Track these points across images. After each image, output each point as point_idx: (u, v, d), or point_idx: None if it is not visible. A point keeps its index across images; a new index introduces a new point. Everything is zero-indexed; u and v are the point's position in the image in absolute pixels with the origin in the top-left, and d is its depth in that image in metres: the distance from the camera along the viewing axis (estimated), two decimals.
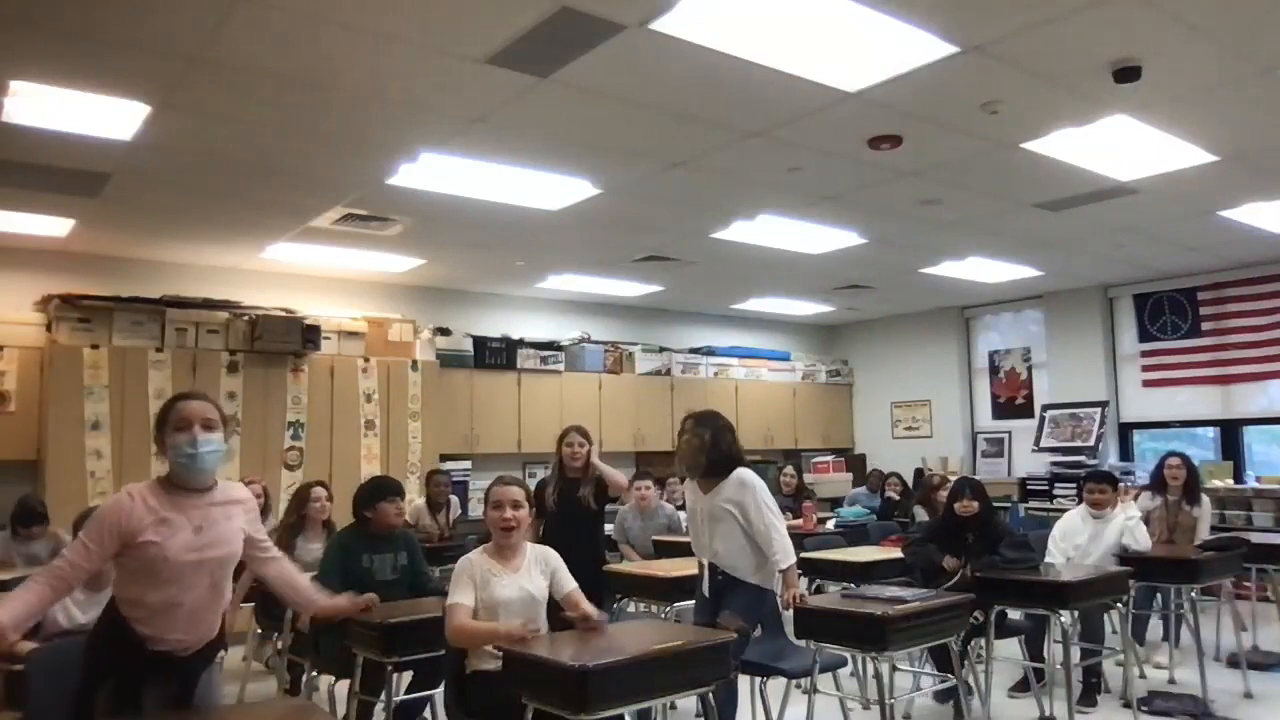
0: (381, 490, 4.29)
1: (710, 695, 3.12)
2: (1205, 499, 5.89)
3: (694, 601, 4.09)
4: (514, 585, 3.20)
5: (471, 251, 7.21)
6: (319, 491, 5.21)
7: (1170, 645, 5.44)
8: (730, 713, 3.74)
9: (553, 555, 3.40)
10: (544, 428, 8.60)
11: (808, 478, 9.68)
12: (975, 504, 4.64)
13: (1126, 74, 3.98)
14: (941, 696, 4.79)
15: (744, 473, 3.88)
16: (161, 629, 2.48)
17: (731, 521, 3.82)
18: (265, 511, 5.72)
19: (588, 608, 3.22)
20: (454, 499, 6.84)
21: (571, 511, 4.79)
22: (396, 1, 3.32)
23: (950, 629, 3.89)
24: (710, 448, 3.87)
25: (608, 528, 5.73)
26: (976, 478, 5.51)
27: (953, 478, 5.70)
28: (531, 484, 8.40)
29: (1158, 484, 5.89)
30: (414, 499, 6.75)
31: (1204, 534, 5.72)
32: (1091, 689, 4.82)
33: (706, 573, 3.89)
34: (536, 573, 3.29)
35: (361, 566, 4.09)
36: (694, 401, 9.28)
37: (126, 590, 2.49)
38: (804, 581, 5.90)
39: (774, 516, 3.84)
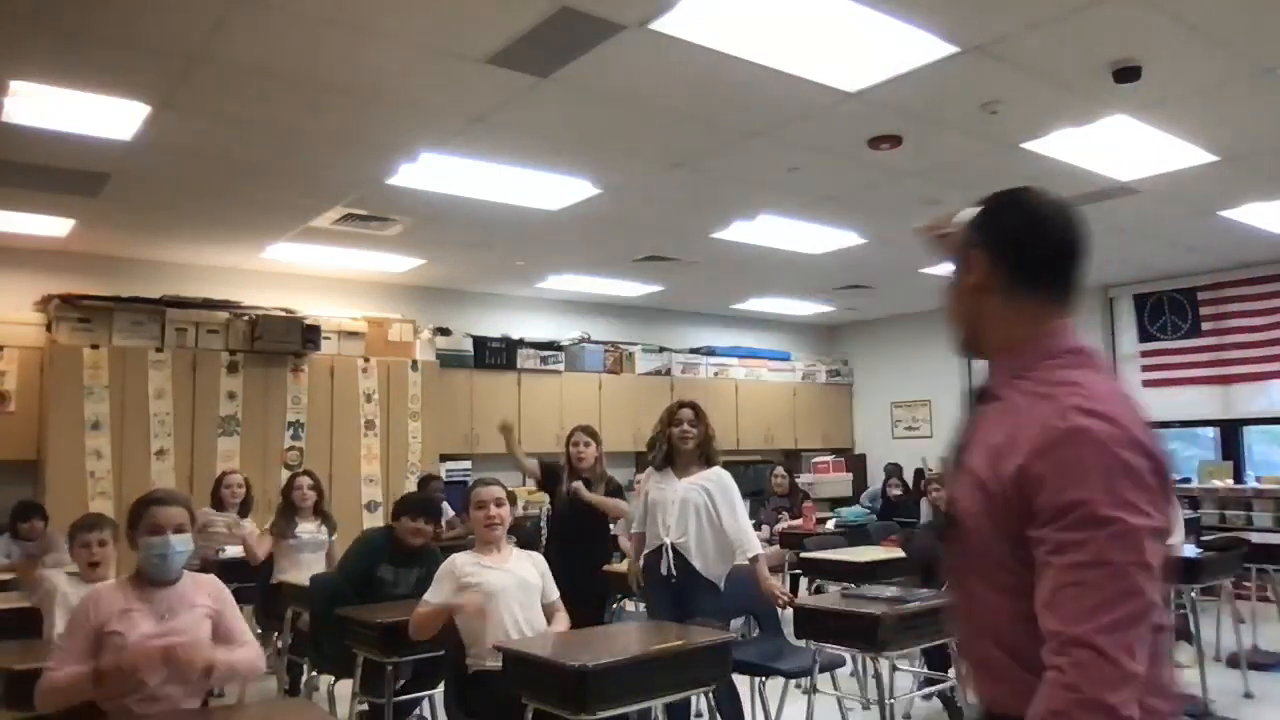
0: (403, 506, 4.32)
1: (705, 697, 3.13)
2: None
3: (643, 570, 4.13)
4: (507, 574, 3.31)
5: (471, 251, 7.20)
6: (302, 480, 5.33)
7: (1195, 644, 5.29)
8: (735, 711, 3.76)
9: (541, 560, 3.55)
10: (544, 428, 8.60)
11: (807, 478, 9.69)
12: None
13: (1126, 74, 3.98)
14: (926, 695, 4.79)
15: (724, 471, 4.10)
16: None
17: (703, 510, 3.95)
18: (246, 504, 5.79)
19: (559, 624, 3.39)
20: (445, 504, 6.82)
21: (580, 512, 4.80)
22: (396, 1, 3.32)
23: (950, 629, 3.89)
24: (709, 441, 4.11)
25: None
26: None
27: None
28: (531, 484, 8.39)
29: None
30: None
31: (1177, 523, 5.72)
32: None
33: (673, 553, 3.96)
34: (527, 563, 3.43)
35: (378, 576, 4.11)
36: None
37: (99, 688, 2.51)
38: (804, 581, 5.93)
39: (745, 515, 4.12)
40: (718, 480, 4.02)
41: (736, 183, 5.57)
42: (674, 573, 3.91)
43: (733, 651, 3.70)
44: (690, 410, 4.10)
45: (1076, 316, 1.41)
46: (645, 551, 4.08)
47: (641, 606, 5.01)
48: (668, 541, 3.96)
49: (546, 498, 5.15)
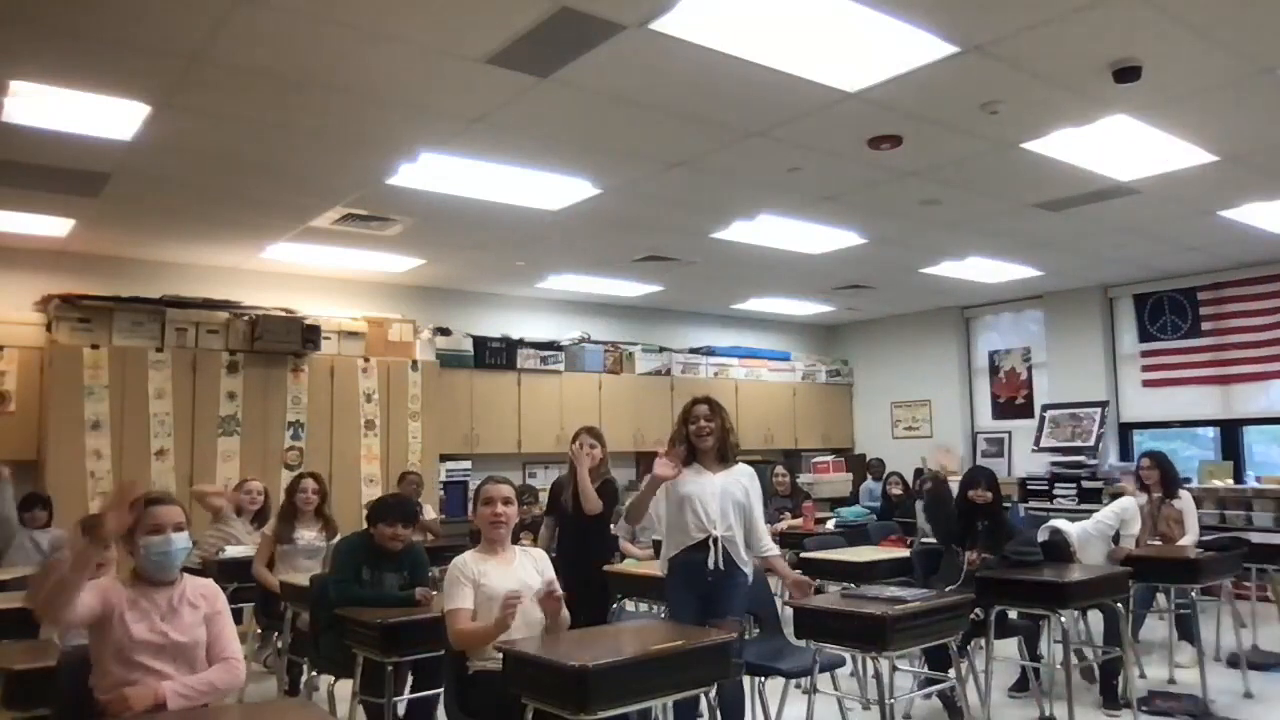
0: (379, 512, 4.25)
1: (706, 696, 3.12)
2: (1185, 493, 5.95)
3: (670, 571, 3.88)
4: (510, 577, 3.26)
5: (471, 251, 7.20)
6: (307, 483, 5.26)
7: (1196, 644, 5.28)
8: (739, 712, 3.75)
9: (543, 557, 3.49)
10: (544, 428, 8.63)
11: (807, 478, 9.69)
12: (989, 494, 4.79)
13: (1126, 74, 3.98)
14: (926, 695, 4.78)
15: (750, 469, 3.99)
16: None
17: (742, 505, 3.85)
18: (264, 512, 5.77)
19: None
20: (425, 505, 6.78)
21: (582, 513, 4.79)
22: (396, 1, 3.32)
23: (950, 629, 3.89)
24: (727, 435, 3.95)
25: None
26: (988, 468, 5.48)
27: (949, 475, 5.71)
28: (532, 483, 8.40)
29: (1140, 484, 6.00)
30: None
31: (1191, 526, 5.76)
32: (1113, 690, 4.76)
33: (720, 547, 3.74)
34: (529, 566, 3.37)
35: (360, 579, 4.07)
36: None
37: (100, 683, 2.54)
38: None
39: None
40: (751, 477, 3.94)
41: (736, 183, 5.57)
42: (721, 567, 3.74)
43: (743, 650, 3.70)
44: (705, 406, 3.94)
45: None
46: (677, 548, 3.82)
47: (642, 606, 5.01)
48: (717, 534, 3.75)
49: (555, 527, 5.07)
